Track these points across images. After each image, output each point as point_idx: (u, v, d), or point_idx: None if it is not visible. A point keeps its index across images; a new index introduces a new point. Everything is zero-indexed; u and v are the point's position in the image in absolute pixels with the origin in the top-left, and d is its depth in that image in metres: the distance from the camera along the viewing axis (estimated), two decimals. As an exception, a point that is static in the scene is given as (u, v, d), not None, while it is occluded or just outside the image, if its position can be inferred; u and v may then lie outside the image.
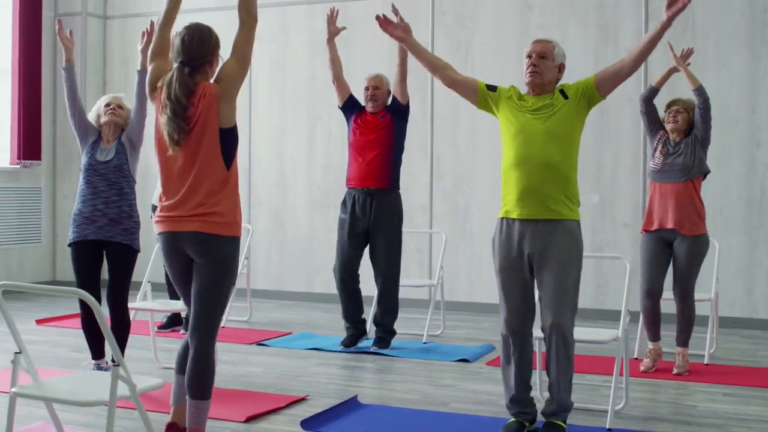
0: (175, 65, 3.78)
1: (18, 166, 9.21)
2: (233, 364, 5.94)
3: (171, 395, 4.02)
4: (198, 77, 3.79)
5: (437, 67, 4.62)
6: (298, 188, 9.10)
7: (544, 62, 4.38)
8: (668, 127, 5.94)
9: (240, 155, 9.28)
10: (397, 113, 6.46)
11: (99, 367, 5.29)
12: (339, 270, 6.50)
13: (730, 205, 7.59)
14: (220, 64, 3.90)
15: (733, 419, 4.70)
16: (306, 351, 6.43)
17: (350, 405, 4.83)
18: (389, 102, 6.55)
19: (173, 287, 7.06)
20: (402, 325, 7.29)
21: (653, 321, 5.93)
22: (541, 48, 4.42)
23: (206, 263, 3.76)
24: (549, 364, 4.33)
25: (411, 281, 7.46)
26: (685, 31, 7.68)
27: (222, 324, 4.12)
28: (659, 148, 5.93)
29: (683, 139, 5.90)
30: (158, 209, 3.84)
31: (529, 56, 4.42)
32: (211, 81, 3.83)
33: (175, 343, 6.45)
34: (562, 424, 4.34)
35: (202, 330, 3.79)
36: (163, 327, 7.14)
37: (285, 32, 9.16)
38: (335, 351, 6.42)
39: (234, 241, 3.80)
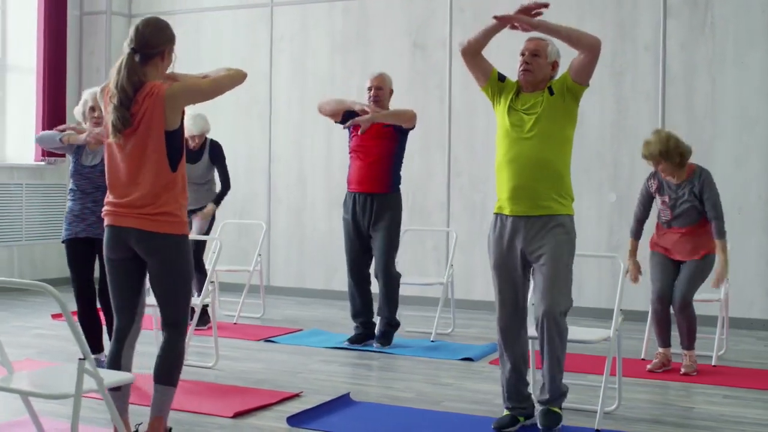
0: (126, 52, 3.71)
1: (42, 163, 9.34)
2: (236, 360, 5.98)
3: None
4: (148, 69, 3.72)
5: (480, 45, 4.43)
6: (317, 186, 9.12)
7: (537, 60, 4.37)
8: (662, 175, 5.79)
9: (259, 153, 9.46)
10: (402, 130, 6.44)
11: (98, 361, 5.34)
12: (350, 271, 6.52)
13: (748, 204, 7.45)
14: (175, 66, 3.84)
15: (729, 422, 4.62)
16: (311, 348, 6.44)
17: (341, 402, 4.83)
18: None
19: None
20: (414, 322, 7.30)
21: (664, 326, 5.84)
22: (534, 46, 4.40)
23: (157, 262, 3.75)
24: (542, 351, 4.36)
25: (421, 279, 7.44)
26: (704, 28, 7.57)
27: (191, 318, 4.11)
28: (657, 197, 5.86)
29: (682, 176, 5.72)
30: (105, 203, 3.83)
31: (523, 54, 4.40)
32: (162, 81, 3.78)
33: (193, 339, 6.49)
34: (558, 410, 4.39)
35: (173, 324, 3.82)
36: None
37: (305, 31, 9.18)
38: (341, 348, 6.43)
39: (183, 238, 3.79)
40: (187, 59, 9.61)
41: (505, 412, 4.47)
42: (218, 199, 7.19)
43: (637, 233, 5.96)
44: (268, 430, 4.36)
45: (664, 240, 5.84)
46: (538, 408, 4.46)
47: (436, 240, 8.55)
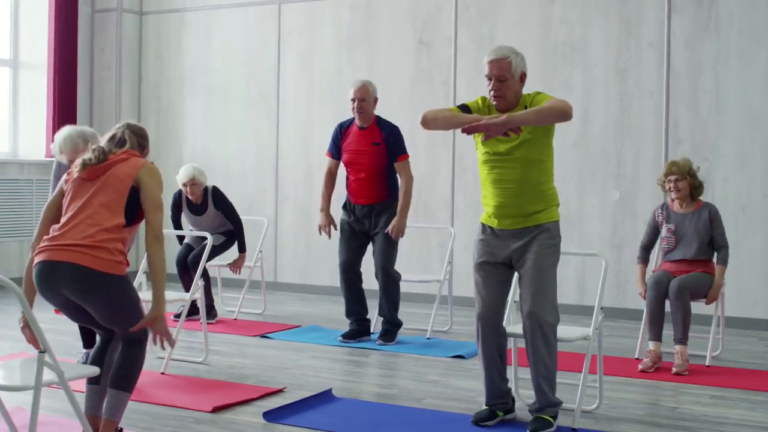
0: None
1: (53, 159, 9.42)
2: (227, 356, 6.01)
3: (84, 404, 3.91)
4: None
5: (441, 130, 4.53)
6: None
7: (505, 84, 4.31)
8: (672, 195, 5.97)
9: (267, 149, 9.45)
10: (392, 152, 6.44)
11: (88, 356, 5.40)
12: (342, 269, 6.53)
13: (752, 203, 7.36)
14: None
15: (710, 422, 4.57)
16: (305, 344, 6.46)
17: (321, 398, 4.84)
18: (388, 135, 6.39)
19: (184, 276, 7.18)
20: (414, 319, 7.29)
21: (657, 316, 5.83)
22: (498, 70, 4.29)
23: (93, 305, 3.65)
24: (529, 357, 4.35)
25: (418, 276, 7.43)
26: (709, 25, 7.49)
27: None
28: (664, 227, 5.99)
29: (690, 207, 5.93)
30: (43, 241, 3.73)
31: (489, 78, 4.34)
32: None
33: (187, 335, 6.54)
34: (549, 418, 4.36)
35: (131, 341, 3.78)
36: (179, 315, 7.18)
37: (312, 27, 9.19)
38: (335, 345, 6.43)
39: (120, 280, 3.65)
40: (198, 56, 9.72)
41: (484, 407, 4.49)
42: (241, 246, 7.30)
43: (644, 259, 6.11)
44: (243, 425, 4.37)
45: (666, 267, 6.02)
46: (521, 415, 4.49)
47: (440, 237, 8.53)
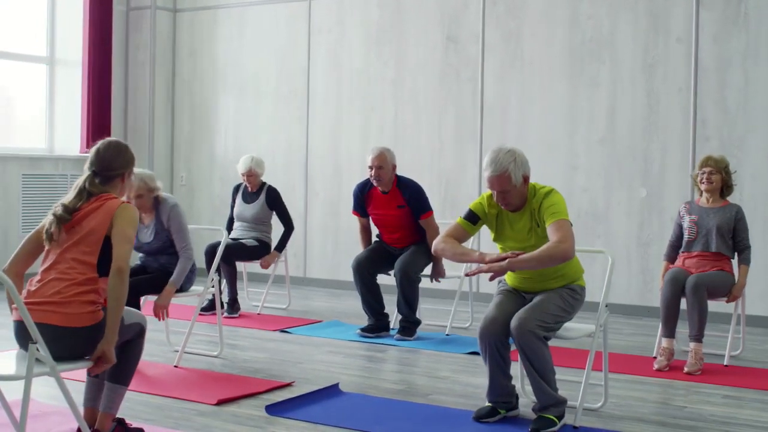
0: (87, 173, 3.76)
1: (88, 155, 9.57)
2: (243, 350, 6.07)
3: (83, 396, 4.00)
4: (108, 190, 3.77)
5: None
6: (352, 179, 9.11)
7: (509, 194, 4.35)
8: (702, 187, 5.92)
9: (297, 145, 9.52)
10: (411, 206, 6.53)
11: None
12: (355, 266, 6.60)
13: (780, 200, 7.25)
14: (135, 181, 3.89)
15: (716, 422, 4.51)
16: (322, 339, 6.49)
17: (327, 392, 4.87)
18: (409, 197, 6.46)
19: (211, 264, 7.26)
20: (435, 316, 7.29)
21: (671, 313, 5.76)
22: (498, 186, 4.33)
23: (79, 355, 3.57)
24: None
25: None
26: (737, 20, 7.37)
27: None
28: (687, 218, 5.95)
29: (717, 204, 5.90)
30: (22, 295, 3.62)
31: (492, 188, 4.38)
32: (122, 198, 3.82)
33: (206, 328, 6.61)
34: (552, 417, 4.34)
35: (126, 340, 3.80)
36: (204, 309, 7.20)
37: (341, 24, 9.23)
38: (353, 340, 6.46)
39: (94, 329, 3.55)
40: (230, 52, 9.81)
41: (487, 404, 4.50)
42: (281, 245, 7.51)
43: (670, 257, 6.09)
44: (245, 418, 4.41)
45: (685, 264, 5.92)
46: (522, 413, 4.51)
47: (466, 234, 8.51)
